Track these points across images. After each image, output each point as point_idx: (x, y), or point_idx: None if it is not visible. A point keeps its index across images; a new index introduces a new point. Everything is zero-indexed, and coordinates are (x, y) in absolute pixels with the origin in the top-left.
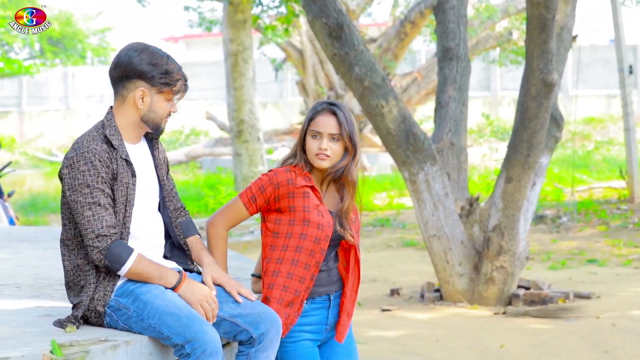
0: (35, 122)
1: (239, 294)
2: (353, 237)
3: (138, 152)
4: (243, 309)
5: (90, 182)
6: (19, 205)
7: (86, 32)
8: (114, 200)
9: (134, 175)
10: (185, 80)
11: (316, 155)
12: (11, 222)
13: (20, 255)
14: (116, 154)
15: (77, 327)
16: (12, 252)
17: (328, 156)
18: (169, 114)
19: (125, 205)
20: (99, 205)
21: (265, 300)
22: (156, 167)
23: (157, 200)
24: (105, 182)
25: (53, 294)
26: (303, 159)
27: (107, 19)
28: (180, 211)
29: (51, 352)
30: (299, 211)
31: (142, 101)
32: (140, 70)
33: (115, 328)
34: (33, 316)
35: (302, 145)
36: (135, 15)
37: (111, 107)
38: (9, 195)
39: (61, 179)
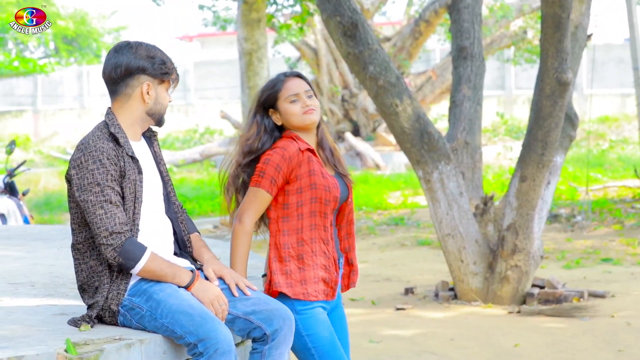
0: (50, 121)
1: (238, 287)
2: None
3: (141, 150)
4: (256, 306)
5: (100, 181)
6: (33, 204)
7: (101, 30)
8: (123, 197)
9: (140, 172)
10: (176, 69)
11: (304, 113)
12: (26, 221)
13: (35, 254)
14: (122, 152)
15: (92, 326)
16: (27, 250)
17: (314, 109)
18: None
19: (134, 203)
20: (111, 202)
21: (300, 269)
22: (157, 163)
23: (162, 197)
24: (115, 180)
25: (68, 292)
26: (286, 129)
27: (121, 17)
28: (178, 208)
29: (66, 350)
30: (305, 177)
31: (149, 94)
32: (141, 65)
33: (130, 327)
34: (47, 315)
35: (270, 123)
36: (150, 14)
37: (109, 107)
38: (24, 194)
39: (68, 181)
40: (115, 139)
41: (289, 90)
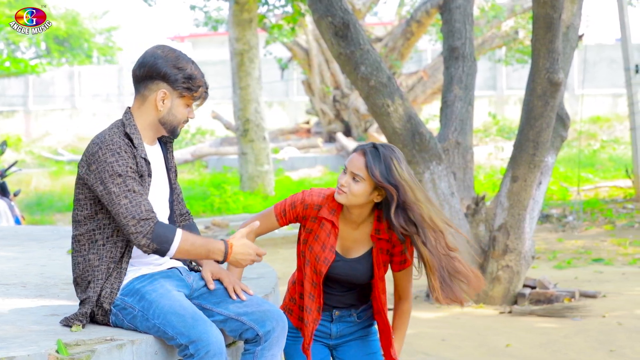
0: (41, 121)
1: (235, 291)
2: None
3: (153, 154)
4: (249, 307)
5: (121, 172)
6: (24, 205)
7: (92, 31)
8: None
9: (150, 175)
10: (207, 88)
11: (337, 188)
12: (17, 222)
13: (27, 255)
14: (136, 152)
15: (83, 327)
16: (18, 251)
17: (345, 192)
18: (187, 120)
19: None
20: (134, 191)
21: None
22: (168, 170)
23: (167, 203)
24: (135, 172)
25: (59, 293)
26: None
27: (113, 18)
28: (185, 216)
29: (57, 351)
30: (312, 237)
31: (163, 103)
32: (164, 72)
33: (121, 327)
34: (39, 315)
35: None
36: (142, 14)
37: (129, 107)
38: (15, 195)
39: (81, 177)
40: (130, 139)
41: (347, 160)
